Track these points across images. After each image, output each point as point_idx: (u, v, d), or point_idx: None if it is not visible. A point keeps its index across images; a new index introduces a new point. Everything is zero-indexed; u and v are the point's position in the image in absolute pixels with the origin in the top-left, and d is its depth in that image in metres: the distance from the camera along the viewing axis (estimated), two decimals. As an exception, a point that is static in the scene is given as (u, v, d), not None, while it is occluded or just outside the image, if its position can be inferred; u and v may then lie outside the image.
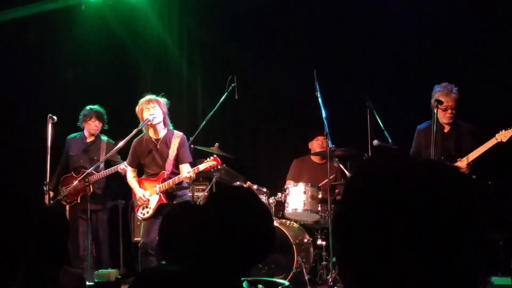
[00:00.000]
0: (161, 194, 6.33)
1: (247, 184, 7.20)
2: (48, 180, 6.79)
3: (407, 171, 1.09)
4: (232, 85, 7.41)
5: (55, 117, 6.84)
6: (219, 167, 6.62)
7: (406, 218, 1.03)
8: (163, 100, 6.48)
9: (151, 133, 6.49)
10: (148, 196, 6.39)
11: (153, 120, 6.33)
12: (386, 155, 1.13)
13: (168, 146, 6.43)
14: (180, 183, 6.37)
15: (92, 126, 7.52)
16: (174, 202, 6.11)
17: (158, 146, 6.44)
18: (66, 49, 8.74)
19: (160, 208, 6.27)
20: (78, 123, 7.62)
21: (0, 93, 8.28)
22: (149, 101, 6.39)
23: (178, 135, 6.49)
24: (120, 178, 7.80)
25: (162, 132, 6.48)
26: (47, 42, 8.77)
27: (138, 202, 6.44)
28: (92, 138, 7.60)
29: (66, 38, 8.77)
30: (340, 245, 1.13)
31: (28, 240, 1.43)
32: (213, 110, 7.36)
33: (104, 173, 7.28)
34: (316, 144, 7.63)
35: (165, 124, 6.48)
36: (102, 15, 8.77)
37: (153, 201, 6.37)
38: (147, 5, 8.86)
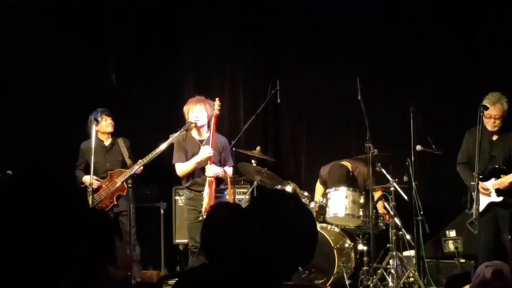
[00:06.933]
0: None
1: (292, 186, 7.19)
2: (91, 182, 6.77)
3: None
4: (275, 88, 7.40)
5: (99, 119, 6.89)
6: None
7: None
8: (210, 103, 6.41)
9: (194, 133, 6.46)
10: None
11: (196, 123, 6.33)
12: None
13: None
14: (219, 185, 6.36)
15: (105, 124, 7.16)
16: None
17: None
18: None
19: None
20: (88, 131, 7.03)
21: (45, 95, 8.36)
22: (197, 102, 6.37)
23: (220, 139, 6.50)
24: (160, 180, 7.84)
25: (206, 134, 6.41)
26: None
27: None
28: (109, 140, 7.31)
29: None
30: None
31: (82, 240, 1.45)
32: (255, 113, 7.37)
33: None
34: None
35: (208, 127, 6.41)
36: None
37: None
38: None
